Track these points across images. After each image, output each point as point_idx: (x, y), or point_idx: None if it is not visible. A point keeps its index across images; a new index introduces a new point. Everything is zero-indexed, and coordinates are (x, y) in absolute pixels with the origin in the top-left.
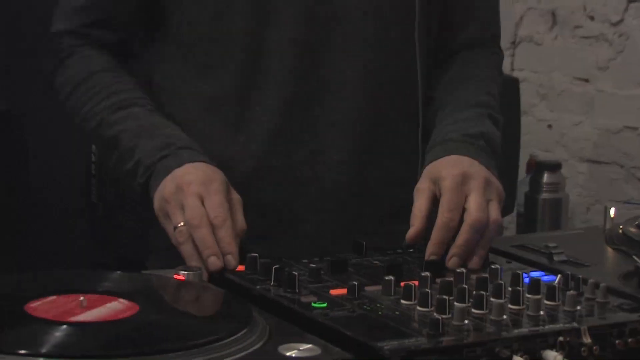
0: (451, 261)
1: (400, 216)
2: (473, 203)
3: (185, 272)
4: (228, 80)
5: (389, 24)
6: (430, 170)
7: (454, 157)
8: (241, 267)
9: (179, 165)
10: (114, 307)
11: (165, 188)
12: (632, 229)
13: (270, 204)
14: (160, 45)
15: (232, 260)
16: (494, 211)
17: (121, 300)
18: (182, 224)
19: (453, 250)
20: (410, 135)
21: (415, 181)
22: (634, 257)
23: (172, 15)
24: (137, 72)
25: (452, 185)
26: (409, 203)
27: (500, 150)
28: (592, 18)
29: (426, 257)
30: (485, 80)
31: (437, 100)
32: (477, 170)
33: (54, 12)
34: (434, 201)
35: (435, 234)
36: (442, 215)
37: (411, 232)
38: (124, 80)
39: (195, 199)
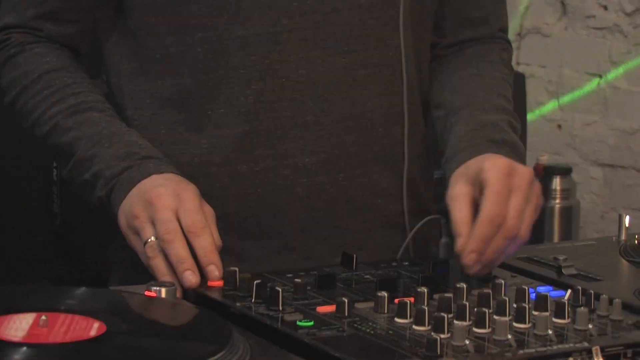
0: (469, 256)
1: (385, 228)
2: (513, 206)
3: (158, 288)
4: (187, 77)
5: (367, 15)
6: (465, 170)
7: (489, 154)
8: (219, 282)
9: (145, 177)
10: (78, 327)
11: (133, 203)
12: None
13: (234, 214)
14: (116, 40)
15: (215, 270)
16: (529, 218)
17: (86, 319)
18: (152, 238)
19: (478, 245)
20: (395, 138)
21: (401, 190)
22: None
23: (127, 4)
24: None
25: (499, 175)
26: (395, 213)
27: (525, 161)
28: (605, 7)
29: (466, 256)
30: (499, 81)
31: (446, 101)
32: (520, 165)
33: (0, 5)
34: (475, 206)
35: (479, 230)
36: (488, 210)
37: (461, 241)
38: (80, 81)
39: (167, 212)
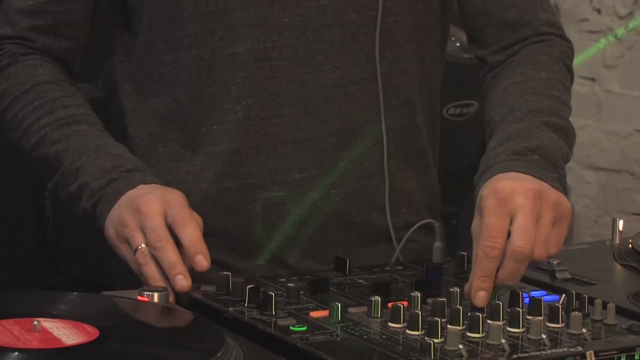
0: (478, 296)
1: (378, 243)
2: (517, 226)
3: (150, 293)
4: (182, 94)
5: (357, 30)
6: (478, 202)
7: (499, 175)
8: (212, 287)
9: (131, 187)
10: (71, 332)
11: (121, 211)
12: None
13: (224, 230)
14: (120, 60)
15: (202, 260)
16: (556, 244)
17: (79, 324)
18: (143, 245)
19: (483, 283)
20: (377, 154)
21: (394, 204)
22: None
23: (136, 24)
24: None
25: (492, 205)
26: (385, 228)
27: (568, 159)
28: (598, 11)
29: (473, 295)
30: (542, 82)
31: (491, 118)
32: (525, 183)
33: None
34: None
35: (478, 267)
36: (482, 244)
37: (467, 285)
38: (71, 95)
39: (156, 219)
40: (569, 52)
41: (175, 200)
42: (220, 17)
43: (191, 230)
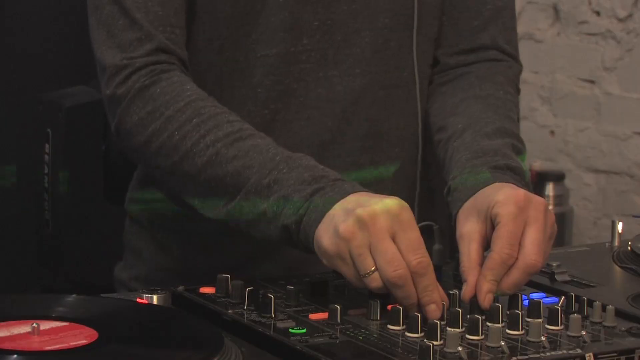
0: (488, 299)
1: None
2: (531, 240)
3: (149, 295)
4: (211, 94)
5: (387, 36)
6: (474, 204)
7: (499, 184)
8: (211, 289)
9: (343, 196)
10: (70, 334)
11: (341, 225)
12: None
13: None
14: None
15: (436, 310)
16: (549, 243)
17: (78, 326)
18: (373, 268)
19: (493, 286)
20: (410, 159)
21: (414, 209)
22: None
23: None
24: None
25: (512, 212)
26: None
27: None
28: (597, 13)
29: (482, 297)
30: (503, 102)
31: (449, 125)
32: (534, 196)
33: (100, 41)
34: (486, 244)
35: (491, 271)
36: (501, 251)
37: (467, 290)
38: (227, 110)
39: (388, 242)
40: (519, 75)
41: (406, 218)
42: (255, 19)
43: (429, 279)
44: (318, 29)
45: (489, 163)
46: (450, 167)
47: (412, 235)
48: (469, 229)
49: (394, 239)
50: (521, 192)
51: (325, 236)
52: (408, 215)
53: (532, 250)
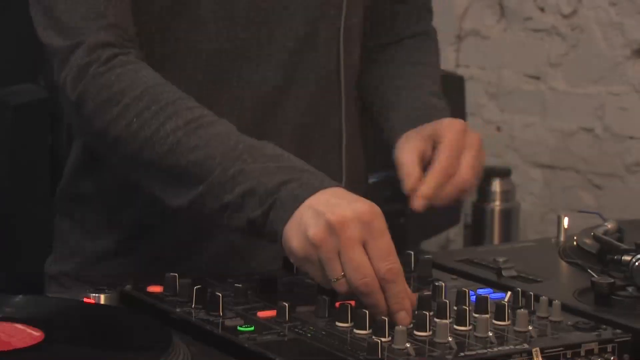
0: (421, 201)
1: None
2: (467, 162)
3: (97, 295)
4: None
5: (317, 22)
6: (418, 130)
7: (443, 119)
8: (159, 288)
9: (312, 193)
10: (16, 335)
11: (309, 224)
12: (588, 241)
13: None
14: None
15: (406, 317)
16: (478, 174)
17: (23, 326)
18: (342, 274)
19: (428, 192)
20: (333, 152)
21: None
22: (589, 271)
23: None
24: None
25: (456, 131)
26: None
27: None
28: (542, 10)
29: (416, 201)
30: (432, 68)
31: (385, 86)
32: (471, 129)
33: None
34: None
35: (433, 178)
36: (444, 160)
37: (411, 182)
38: (183, 95)
39: (358, 251)
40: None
41: (377, 226)
42: (187, 10)
43: (399, 286)
44: (252, 19)
45: (432, 115)
46: (389, 115)
47: (383, 243)
48: (411, 145)
49: (364, 246)
50: (462, 121)
51: (294, 239)
52: (379, 222)
53: (467, 171)
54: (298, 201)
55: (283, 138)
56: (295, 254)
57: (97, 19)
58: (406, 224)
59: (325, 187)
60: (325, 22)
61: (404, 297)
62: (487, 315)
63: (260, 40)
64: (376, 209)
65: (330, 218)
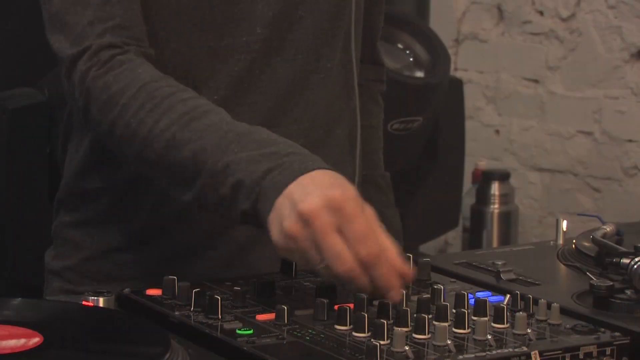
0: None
1: None
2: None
3: (95, 298)
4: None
5: (328, 23)
6: None
7: None
8: (158, 291)
9: (291, 181)
10: (13, 338)
11: (286, 220)
12: (586, 244)
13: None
14: None
15: (397, 295)
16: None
17: (22, 330)
18: (323, 265)
19: None
20: (346, 141)
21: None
22: (588, 274)
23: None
24: None
25: None
26: None
27: None
28: (541, 13)
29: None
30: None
31: None
32: None
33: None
34: None
35: None
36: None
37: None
38: (183, 88)
39: (333, 237)
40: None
41: (350, 209)
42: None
43: (383, 268)
44: (272, 19)
45: None
46: None
47: (358, 226)
48: None
49: (340, 232)
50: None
51: (274, 230)
52: (351, 205)
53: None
54: (278, 190)
55: (295, 138)
56: (277, 245)
57: (104, 21)
58: (404, 227)
59: (308, 170)
60: (339, 21)
61: (390, 276)
62: (486, 318)
63: (273, 43)
64: (349, 192)
65: (301, 208)
